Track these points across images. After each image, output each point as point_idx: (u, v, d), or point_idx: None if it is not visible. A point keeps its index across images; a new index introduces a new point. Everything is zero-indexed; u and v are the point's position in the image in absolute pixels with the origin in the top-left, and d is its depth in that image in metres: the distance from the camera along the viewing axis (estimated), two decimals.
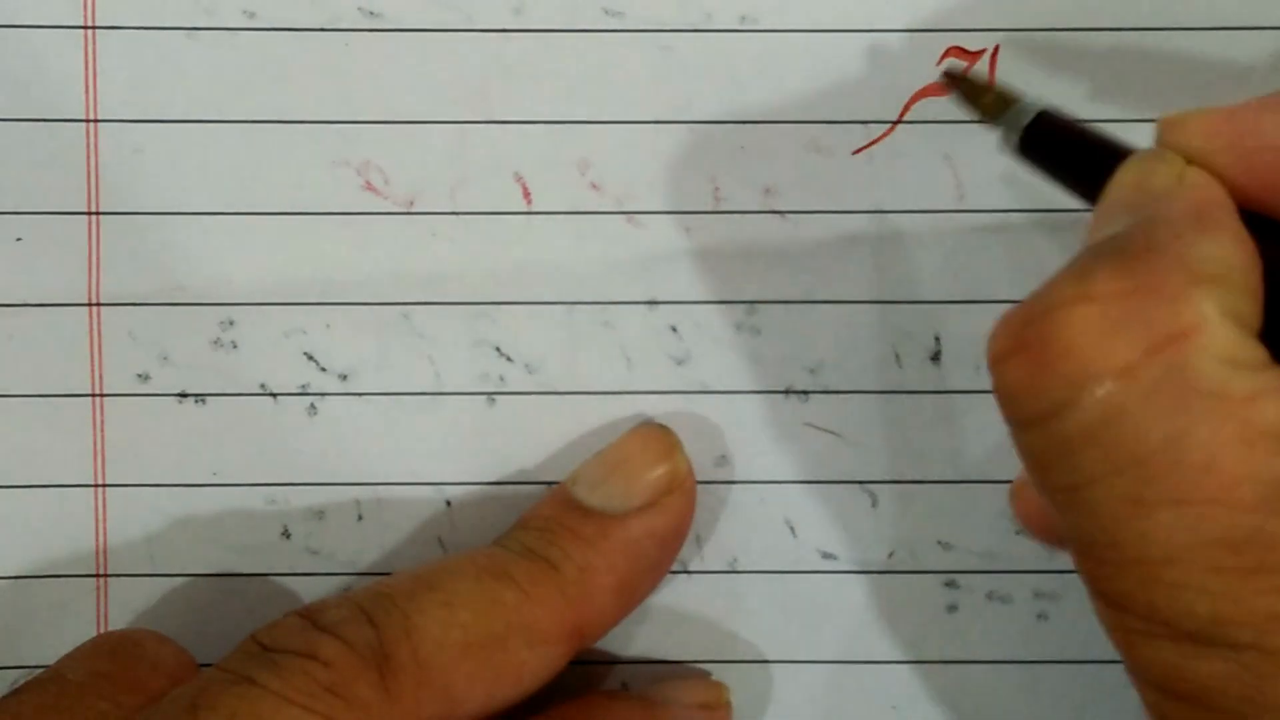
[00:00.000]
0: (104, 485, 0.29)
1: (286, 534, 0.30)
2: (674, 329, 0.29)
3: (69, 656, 0.26)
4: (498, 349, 0.29)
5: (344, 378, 0.29)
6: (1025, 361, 0.20)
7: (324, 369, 0.29)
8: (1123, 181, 0.22)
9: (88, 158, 0.29)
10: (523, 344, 0.29)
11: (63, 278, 0.29)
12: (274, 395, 0.29)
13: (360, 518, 0.30)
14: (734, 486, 0.30)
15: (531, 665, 0.25)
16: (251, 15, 0.29)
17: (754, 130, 0.29)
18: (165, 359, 0.29)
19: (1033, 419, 0.20)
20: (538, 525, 0.27)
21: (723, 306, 0.29)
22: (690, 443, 0.29)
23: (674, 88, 0.29)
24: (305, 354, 0.29)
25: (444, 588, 0.25)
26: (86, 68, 0.29)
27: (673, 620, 0.30)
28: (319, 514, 0.30)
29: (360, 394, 0.29)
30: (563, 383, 0.30)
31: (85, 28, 0.29)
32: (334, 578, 0.30)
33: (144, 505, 0.29)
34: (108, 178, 0.29)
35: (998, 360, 0.20)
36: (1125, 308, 0.19)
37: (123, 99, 0.29)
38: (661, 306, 0.29)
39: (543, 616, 0.26)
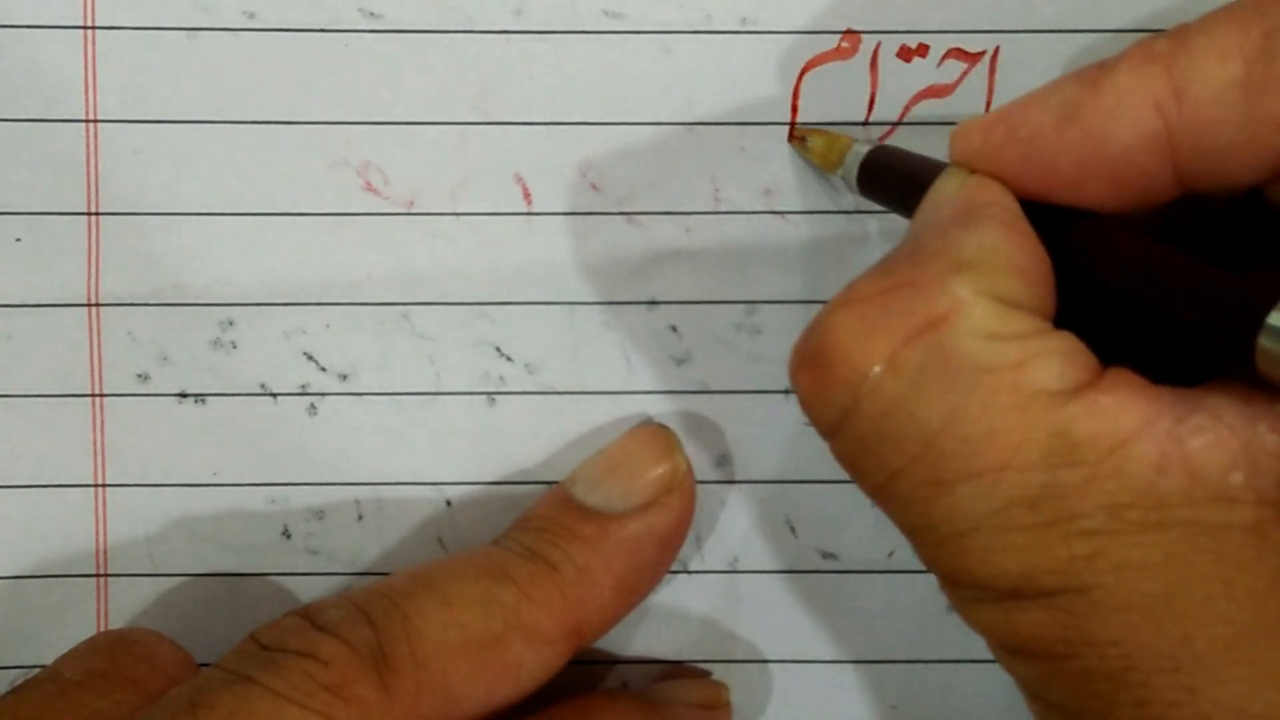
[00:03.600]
0: (104, 485, 0.29)
1: (286, 534, 0.30)
2: (674, 329, 0.29)
3: (67, 656, 0.26)
4: (498, 349, 0.29)
5: (344, 378, 0.29)
6: (808, 374, 0.21)
7: (324, 369, 0.29)
8: (923, 202, 0.23)
9: (88, 158, 0.29)
10: (523, 344, 0.29)
11: (62, 278, 0.29)
12: (274, 395, 0.29)
13: (360, 518, 0.30)
14: (734, 486, 0.30)
15: (530, 665, 0.25)
16: (251, 15, 0.29)
17: (754, 130, 0.29)
18: (165, 359, 0.29)
19: (830, 427, 0.21)
20: (537, 525, 0.27)
21: (722, 306, 0.29)
22: (690, 443, 0.29)
23: (674, 88, 0.29)
24: (305, 354, 0.29)
25: (443, 588, 0.25)
26: (86, 68, 0.29)
27: (673, 620, 0.30)
28: (319, 514, 0.30)
29: (360, 394, 0.29)
30: (563, 383, 0.30)
31: (85, 28, 0.29)
32: (334, 578, 0.30)
33: (144, 505, 0.29)
34: (108, 178, 0.29)
35: (792, 380, 0.21)
36: (881, 304, 0.20)
37: (123, 99, 0.29)
38: (661, 306, 0.29)
39: (542, 616, 0.26)
